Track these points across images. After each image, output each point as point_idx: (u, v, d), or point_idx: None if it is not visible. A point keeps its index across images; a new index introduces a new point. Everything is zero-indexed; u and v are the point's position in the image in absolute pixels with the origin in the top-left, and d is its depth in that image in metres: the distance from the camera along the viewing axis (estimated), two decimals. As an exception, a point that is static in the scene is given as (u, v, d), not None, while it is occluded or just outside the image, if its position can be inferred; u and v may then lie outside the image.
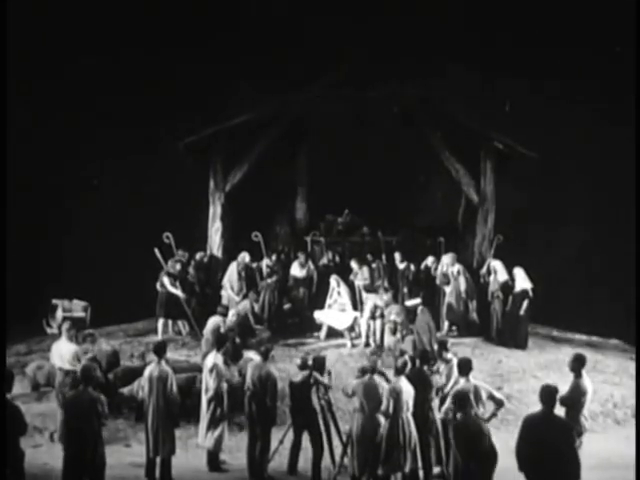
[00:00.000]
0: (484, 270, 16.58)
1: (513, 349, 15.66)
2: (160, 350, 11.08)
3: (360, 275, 16.59)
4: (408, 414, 10.32)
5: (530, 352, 15.69)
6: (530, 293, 15.71)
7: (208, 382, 11.36)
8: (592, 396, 10.44)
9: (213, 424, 11.33)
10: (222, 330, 13.90)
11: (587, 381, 10.29)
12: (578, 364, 10.31)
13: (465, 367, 10.42)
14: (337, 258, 17.65)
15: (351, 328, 15.93)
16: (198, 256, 16.88)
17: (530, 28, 20.25)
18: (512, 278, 15.93)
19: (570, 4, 19.90)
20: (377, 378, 10.67)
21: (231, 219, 17.64)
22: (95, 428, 9.55)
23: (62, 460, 9.64)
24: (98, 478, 9.65)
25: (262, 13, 20.34)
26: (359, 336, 15.80)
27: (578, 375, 10.24)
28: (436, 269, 16.68)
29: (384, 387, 10.55)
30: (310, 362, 11.25)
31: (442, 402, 10.71)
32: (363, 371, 10.84)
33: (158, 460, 10.87)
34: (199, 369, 12.90)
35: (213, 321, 14.32)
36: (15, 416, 9.17)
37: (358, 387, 10.53)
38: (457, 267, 16.42)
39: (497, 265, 16.19)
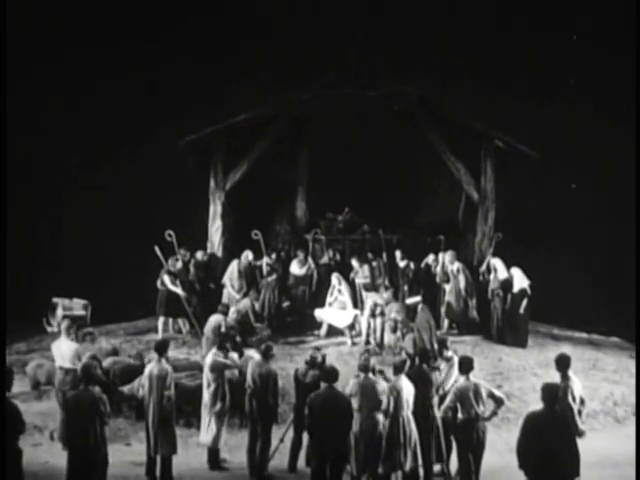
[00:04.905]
0: (484, 268, 16.56)
1: (513, 347, 15.64)
2: (161, 348, 11.07)
3: (360, 273, 16.59)
4: (408, 412, 10.31)
5: (530, 350, 15.65)
6: (529, 291, 15.66)
7: (209, 378, 11.39)
8: (587, 394, 10.43)
9: (212, 420, 11.33)
10: (223, 329, 13.89)
11: (575, 382, 10.25)
12: (563, 365, 10.27)
13: (466, 365, 10.41)
14: (337, 256, 17.63)
15: (351, 326, 15.92)
16: (199, 254, 16.86)
17: (530, 27, 20.26)
18: (510, 278, 15.91)
19: (570, 3, 19.91)
20: (373, 377, 10.63)
21: (231, 218, 17.61)
22: (97, 427, 9.54)
23: (66, 460, 9.62)
24: (101, 477, 9.65)
25: (263, 12, 20.33)
26: (359, 334, 15.79)
27: (565, 377, 10.19)
28: (436, 267, 16.68)
29: (383, 386, 10.53)
30: (319, 360, 11.23)
31: (442, 400, 10.70)
32: (360, 370, 10.81)
33: (158, 459, 10.86)
34: (199, 367, 12.92)
35: (214, 319, 14.31)
36: (13, 415, 9.17)
37: (354, 387, 10.49)
38: (457, 265, 16.39)
39: (497, 263, 16.15)
